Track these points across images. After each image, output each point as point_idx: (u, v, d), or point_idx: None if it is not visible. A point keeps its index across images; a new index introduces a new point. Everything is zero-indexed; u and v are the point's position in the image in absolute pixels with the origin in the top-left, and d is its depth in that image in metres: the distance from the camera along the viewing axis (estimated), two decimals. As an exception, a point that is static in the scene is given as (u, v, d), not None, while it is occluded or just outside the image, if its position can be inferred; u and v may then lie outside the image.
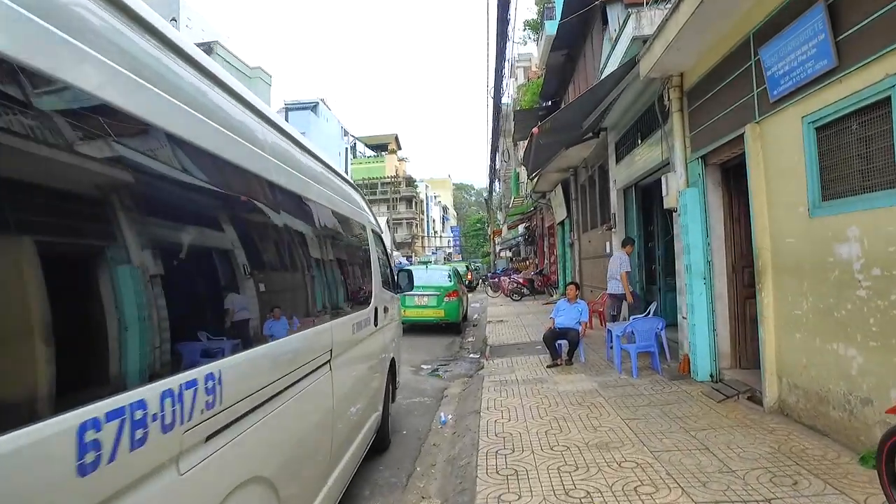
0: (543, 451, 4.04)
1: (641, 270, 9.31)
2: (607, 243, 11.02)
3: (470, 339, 11.19)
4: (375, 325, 4.13)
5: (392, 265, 5.39)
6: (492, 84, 21.81)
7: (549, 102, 19.10)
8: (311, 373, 2.59)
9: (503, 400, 5.63)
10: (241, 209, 2.13)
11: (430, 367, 8.57)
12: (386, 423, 4.61)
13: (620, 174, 9.74)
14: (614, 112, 9.38)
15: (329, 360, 2.89)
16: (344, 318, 3.28)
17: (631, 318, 7.84)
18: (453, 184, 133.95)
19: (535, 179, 15.77)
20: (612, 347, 7.18)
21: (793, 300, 4.28)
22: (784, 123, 4.29)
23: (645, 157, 8.08)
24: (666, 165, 6.83)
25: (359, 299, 3.82)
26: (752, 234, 4.77)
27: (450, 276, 12.19)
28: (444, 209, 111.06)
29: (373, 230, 4.58)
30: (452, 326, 11.77)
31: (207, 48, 32.07)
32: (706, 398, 5.13)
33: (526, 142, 22.02)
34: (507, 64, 21.47)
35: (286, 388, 2.26)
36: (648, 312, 7.73)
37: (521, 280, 20.57)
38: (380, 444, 4.49)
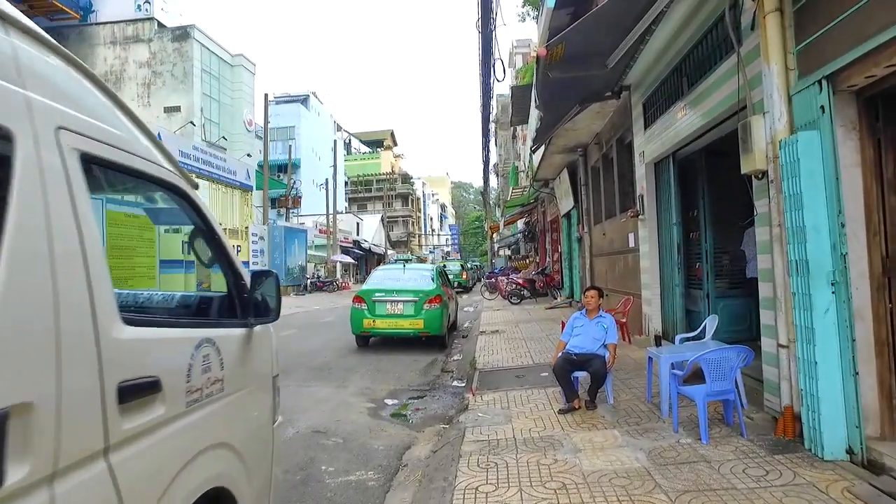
0: None
1: (681, 270, 6.99)
2: (630, 235, 8.69)
3: (456, 358, 8.84)
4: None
5: (232, 261, 2.27)
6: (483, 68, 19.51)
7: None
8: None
9: (490, 493, 3.30)
10: None
11: (396, 402, 6.23)
12: None
13: (651, 144, 7.41)
14: (641, 62, 7.06)
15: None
16: None
17: (678, 339, 5.50)
18: (452, 182, 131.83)
19: (537, 162, 13.42)
20: (656, 380, 4.84)
21: None
22: None
23: (696, 109, 5.75)
24: (736, 114, 4.50)
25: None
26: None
27: (432, 278, 9.85)
28: (443, 207, 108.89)
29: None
30: (435, 340, 9.44)
31: (184, 33, 29.77)
32: None
33: (525, 128, 19.77)
34: (495, 48, 19.09)
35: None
36: (703, 332, 5.39)
37: (520, 280, 18.23)
38: None
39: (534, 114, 9.26)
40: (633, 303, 8.32)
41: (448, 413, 5.70)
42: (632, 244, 8.62)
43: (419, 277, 9.86)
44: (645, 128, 7.65)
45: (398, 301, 9.03)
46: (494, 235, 39.82)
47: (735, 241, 6.71)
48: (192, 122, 24.52)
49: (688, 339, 5.49)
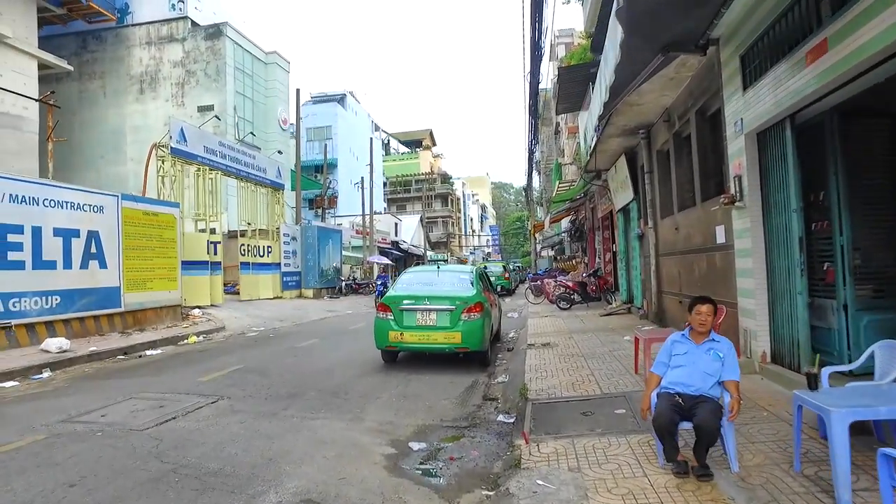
0: None
1: (803, 273, 5.23)
2: (718, 228, 6.93)
3: (501, 381, 7.28)
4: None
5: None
6: (529, 56, 17.77)
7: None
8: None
9: None
10: None
11: (423, 447, 4.74)
12: None
13: (753, 109, 5.68)
14: (738, 4, 5.37)
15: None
16: None
17: (825, 375, 3.78)
18: (492, 182, 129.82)
19: (590, 149, 11.70)
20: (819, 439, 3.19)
21: None
22: None
23: (836, 50, 4.03)
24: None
25: None
26: None
27: (471, 282, 8.32)
28: (483, 208, 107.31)
29: None
30: (475, 356, 7.92)
31: (216, 30, 29.30)
32: None
33: (571, 118, 17.82)
34: (545, 39, 17.45)
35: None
36: (864, 365, 3.67)
37: (569, 283, 16.47)
38: None
39: (599, 87, 7.62)
40: (726, 314, 6.55)
41: (492, 468, 4.18)
42: (721, 239, 6.85)
43: (456, 281, 8.35)
44: (743, 89, 5.92)
45: (431, 310, 7.56)
46: (537, 235, 37.88)
47: (885, 232, 4.94)
48: (216, 116, 23.71)
49: (843, 375, 3.77)
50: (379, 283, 25.03)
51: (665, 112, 9.05)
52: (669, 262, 9.70)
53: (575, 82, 16.34)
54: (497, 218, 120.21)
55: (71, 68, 25.27)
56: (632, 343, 8.58)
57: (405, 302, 7.69)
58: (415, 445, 4.74)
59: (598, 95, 7.53)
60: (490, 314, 8.23)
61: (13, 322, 10.18)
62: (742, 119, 5.96)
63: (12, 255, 10.24)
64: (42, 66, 23.44)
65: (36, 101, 17.70)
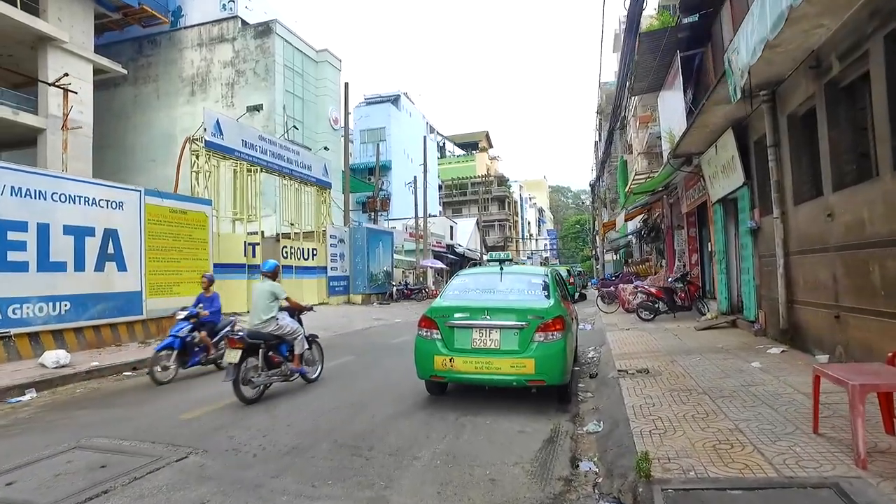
0: None
1: None
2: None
3: (591, 430, 5.06)
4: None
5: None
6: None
7: (698, 15, 12.42)
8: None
9: None
10: None
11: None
12: None
13: None
14: None
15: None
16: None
17: None
18: (549, 186, 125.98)
19: (683, 127, 9.28)
20: None
21: None
22: None
23: None
24: None
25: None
26: None
27: (547, 288, 6.15)
28: (540, 211, 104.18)
29: None
30: (553, 392, 5.79)
31: (266, 28, 28.55)
32: None
33: (641, 103, 15.09)
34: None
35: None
36: None
37: (653, 290, 13.91)
38: None
39: (744, 34, 5.35)
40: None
41: None
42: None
43: (525, 287, 6.18)
44: None
45: (492, 327, 5.46)
46: (606, 236, 34.94)
47: None
48: (256, 108, 22.51)
49: None
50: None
51: (811, 56, 6.58)
52: (812, 261, 7.17)
53: (655, 53, 13.88)
54: (554, 222, 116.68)
55: (124, 71, 25.08)
56: (767, 374, 6.24)
57: (456, 316, 5.62)
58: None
59: (749, 36, 5.26)
60: (572, 332, 6.06)
61: (12, 331, 8.94)
62: None
63: (13, 256, 9.02)
64: (98, 70, 23.33)
65: (49, 84, 16.95)
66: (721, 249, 12.15)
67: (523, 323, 5.40)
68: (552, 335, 5.40)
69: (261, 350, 6.32)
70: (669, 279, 14.48)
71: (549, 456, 4.36)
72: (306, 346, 7.03)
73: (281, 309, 6.82)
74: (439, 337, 5.64)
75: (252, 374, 6.19)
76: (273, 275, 6.82)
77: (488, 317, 5.51)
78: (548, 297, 5.94)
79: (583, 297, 26.53)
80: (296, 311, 7.18)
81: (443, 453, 4.38)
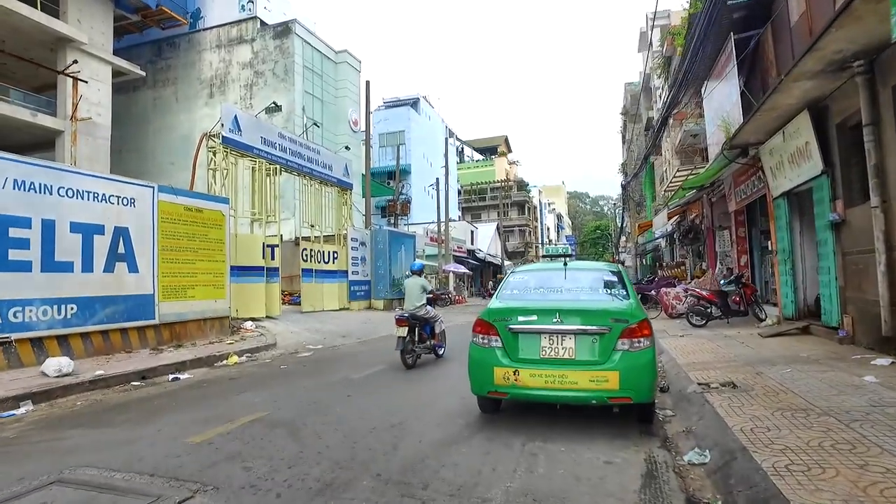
0: None
1: None
2: None
3: (698, 460, 4.00)
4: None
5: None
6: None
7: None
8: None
9: None
10: None
11: None
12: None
13: None
14: None
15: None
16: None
17: None
18: (567, 192, 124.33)
19: (748, 111, 8.21)
20: None
21: None
22: None
23: None
24: None
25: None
26: None
27: (621, 283, 5.13)
28: (559, 217, 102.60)
29: None
30: (630, 410, 4.76)
31: (285, 28, 28.02)
32: None
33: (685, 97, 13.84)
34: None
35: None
36: None
37: (704, 294, 12.76)
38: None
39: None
40: None
41: None
42: None
43: (598, 285, 5.14)
44: None
45: (565, 332, 4.45)
46: (639, 239, 33.62)
47: None
48: (275, 108, 21.78)
49: None
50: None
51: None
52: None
53: (702, 39, 12.80)
54: (573, 228, 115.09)
55: (143, 73, 24.70)
56: (894, 391, 5.12)
57: (520, 319, 4.61)
58: None
59: None
60: (655, 341, 5.00)
61: (13, 336, 8.16)
62: None
63: (14, 254, 8.26)
64: (116, 73, 22.96)
65: (58, 73, 16.38)
66: (785, 248, 10.98)
67: (604, 328, 4.38)
68: (639, 342, 4.38)
69: (416, 328, 8.52)
70: (720, 282, 13.30)
71: (656, 498, 3.35)
72: (443, 326, 9.35)
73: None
74: (499, 344, 4.64)
75: (411, 346, 8.30)
76: (420, 273, 9.16)
77: (560, 320, 4.50)
78: (626, 296, 4.91)
79: None
80: (434, 300, 9.49)
81: (519, 493, 3.38)
